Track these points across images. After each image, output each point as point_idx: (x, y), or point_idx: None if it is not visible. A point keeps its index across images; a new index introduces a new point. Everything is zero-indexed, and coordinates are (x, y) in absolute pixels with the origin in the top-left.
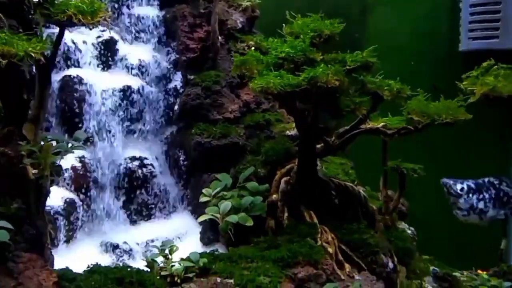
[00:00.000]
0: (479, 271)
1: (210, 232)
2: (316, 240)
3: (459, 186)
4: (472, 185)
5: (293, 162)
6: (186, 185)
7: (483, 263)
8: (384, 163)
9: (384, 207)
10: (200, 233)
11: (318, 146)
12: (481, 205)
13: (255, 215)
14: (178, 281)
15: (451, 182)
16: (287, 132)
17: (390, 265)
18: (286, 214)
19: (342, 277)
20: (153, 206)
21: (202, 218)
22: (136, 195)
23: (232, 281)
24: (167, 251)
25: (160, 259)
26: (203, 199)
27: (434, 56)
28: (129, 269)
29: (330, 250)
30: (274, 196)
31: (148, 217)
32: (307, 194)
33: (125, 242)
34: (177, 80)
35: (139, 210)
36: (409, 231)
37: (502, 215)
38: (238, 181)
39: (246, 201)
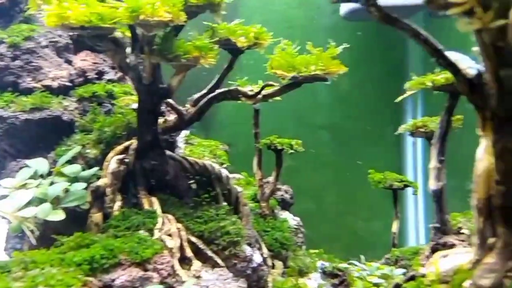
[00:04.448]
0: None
1: (15, 240)
2: (153, 233)
3: None
4: None
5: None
6: None
7: (381, 252)
8: (257, 140)
9: (259, 192)
10: (5, 242)
11: (171, 118)
12: None
13: (71, 207)
14: None
15: None
16: (134, 105)
17: (257, 259)
18: (118, 203)
19: (185, 279)
20: None
21: None
22: None
23: None
24: None
25: None
26: (1, 192)
27: (318, 24)
28: None
29: (170, 244)
30: (102, 181)
31: None
32: (150, 176)
33: None
34: None
35: None
36: (293, 222)
37: None
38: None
39: (56, 189)
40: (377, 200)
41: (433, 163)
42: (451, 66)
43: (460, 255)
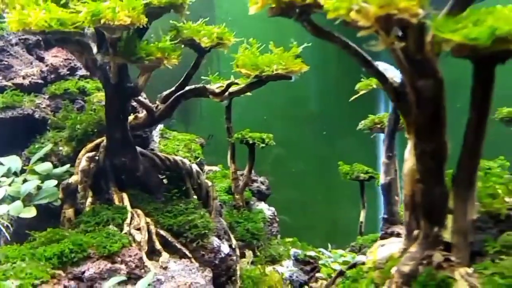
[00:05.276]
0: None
1: None
2: (122, 227)
3: None
4: None
5: None
6: None
7: (354, 240)
8: (229, 134)
9: (233, 185)
10: None
11: (141, 115)
12: None
13: (44, 203)
14: None
15: None
16: None
17: (225, 249)
18: (90, 199)
19: (152, 270)
20: None
21: None
22: None
23: None
24: None
25: None
26: None
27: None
28: None
29: (139, 238)
30: (74, 178)
31: None
32: (121, 172)
33: None
34: None
35: None
36: (268, 212)
37: None
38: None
39: (28, 186)
40: (354, 189)
41: (382, 158)
42: (380, 76)
43: (394, 245)
